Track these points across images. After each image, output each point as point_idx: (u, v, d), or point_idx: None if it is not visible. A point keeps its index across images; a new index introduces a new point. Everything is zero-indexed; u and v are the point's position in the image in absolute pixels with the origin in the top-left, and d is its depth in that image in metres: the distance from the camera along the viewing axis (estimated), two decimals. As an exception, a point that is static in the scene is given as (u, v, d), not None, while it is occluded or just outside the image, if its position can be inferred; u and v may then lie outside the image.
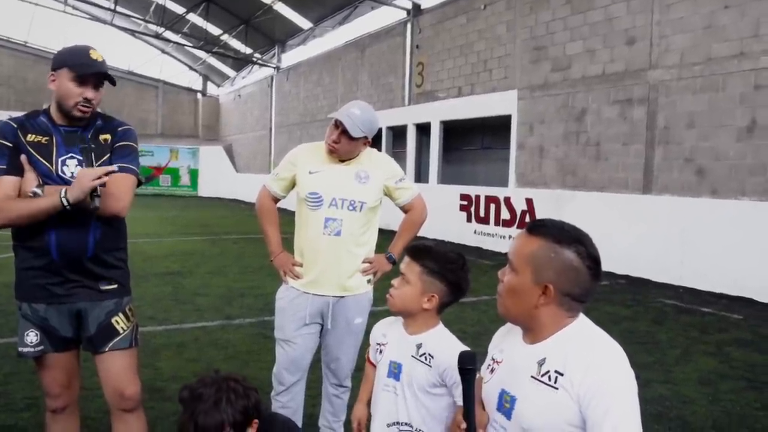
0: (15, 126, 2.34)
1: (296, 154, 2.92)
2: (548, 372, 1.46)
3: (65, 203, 2.19)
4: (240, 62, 30.03)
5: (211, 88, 35.89)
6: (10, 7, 27.70)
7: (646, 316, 6.67)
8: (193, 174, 31.39)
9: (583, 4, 11.25)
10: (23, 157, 2.31)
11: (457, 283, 1.99)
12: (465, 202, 12.92)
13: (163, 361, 4.64)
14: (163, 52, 33.36)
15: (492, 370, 1.65)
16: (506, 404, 1.54)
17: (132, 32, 29.83)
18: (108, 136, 2.42)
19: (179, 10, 25.93)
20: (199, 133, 34.73)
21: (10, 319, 5.60)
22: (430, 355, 1.94)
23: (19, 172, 2.30)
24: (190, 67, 34.43)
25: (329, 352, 2.94)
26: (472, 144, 15.71)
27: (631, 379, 1.42)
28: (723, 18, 8.92)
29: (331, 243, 2.77)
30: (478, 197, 12.63)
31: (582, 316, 1.54)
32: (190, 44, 29.33)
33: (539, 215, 10.71)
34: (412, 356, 1.97)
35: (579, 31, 11.37)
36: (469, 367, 1.53)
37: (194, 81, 35.40)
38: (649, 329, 6.10)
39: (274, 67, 27.10)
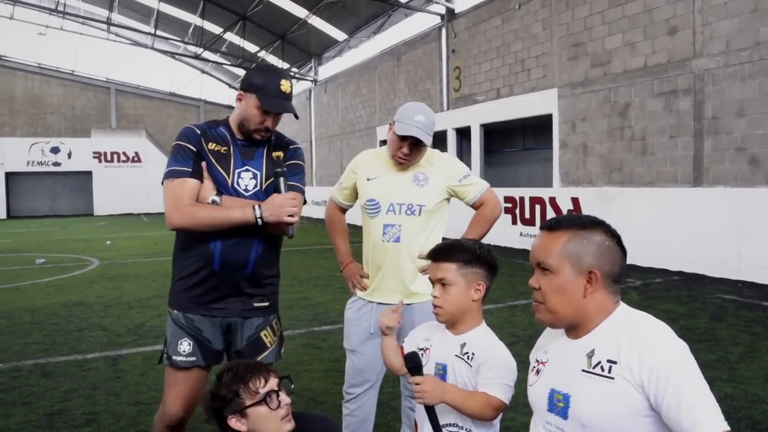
0: (198, 132, 2.39)
1: (357, 162, 2.89)
2: (600, 363, 1.42)
3: (259, 222, 2.22)
4: (278, 77, 30.45)
5: (251, 105, 36.51)
6: (58, 38, 28.84)
7: (705, 313, 6.43)
8: (238, 189, 31.96)
9: (621, -3, 11.02)
10: (203, 164, 2.34)
11: (492, 262, 1.98)
12: (509, 205, 12.76)
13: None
14: (203, 72, 34.20)
15: (537, 372, 1.61)
16: (559, 404, 1.49)
17: (172, 54, 30.67)
18: (280, 153, 2.47)
19: (216, 30, 26.52)
20: (242, 149, 35.38)
21: (69, 338, 5.77)
22: (472, 353, 1.90)
23: (200, 177, 2.33)
24: (230, 85, 35.14)
25: None
26: (513, 145, 15.53)
27: (686, 350, 1.38)
28: (770, 0, 8.60)
29: (391, 249, 2.71)
30: (522, 199, 12.47)
31: (621, 303, 1.52)
32: (229, 62, 29.96)
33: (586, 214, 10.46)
34: (456, 355, 1.93)
35: (618, 24, 11.14)
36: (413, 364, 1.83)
37: (234, 98, 36.14)
38: (708, 326, 5.88)
39: (312, 80, 27.41)
